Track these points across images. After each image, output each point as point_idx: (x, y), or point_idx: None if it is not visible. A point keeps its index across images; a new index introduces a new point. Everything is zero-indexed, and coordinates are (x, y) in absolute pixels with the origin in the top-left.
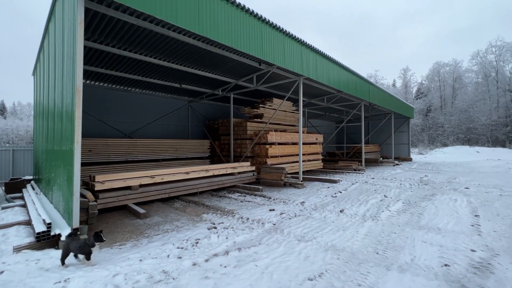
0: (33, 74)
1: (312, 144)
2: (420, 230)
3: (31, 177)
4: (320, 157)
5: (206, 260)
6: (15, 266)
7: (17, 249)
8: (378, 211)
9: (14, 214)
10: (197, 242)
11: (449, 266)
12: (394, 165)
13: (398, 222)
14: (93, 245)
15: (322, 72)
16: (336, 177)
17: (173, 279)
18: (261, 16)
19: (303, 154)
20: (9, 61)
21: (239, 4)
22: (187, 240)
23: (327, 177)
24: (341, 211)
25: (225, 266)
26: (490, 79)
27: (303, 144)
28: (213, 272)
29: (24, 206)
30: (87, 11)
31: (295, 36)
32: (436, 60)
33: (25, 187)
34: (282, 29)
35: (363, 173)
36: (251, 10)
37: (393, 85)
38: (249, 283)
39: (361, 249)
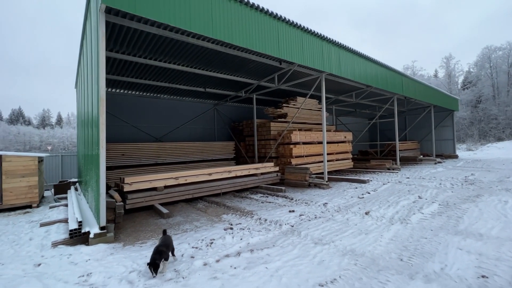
0: (75, 87)
1: (340, 142)
2: (457, 236)
3: (76, 180)
4: (350, 156)
5: (217, 261)
6: (50, 259)
7: (54, 244)
8: (409, 214)
9: (58, 212)
10: (211, 243)
11: (487, 278)
12: (435, 163)
13: (430, 226)
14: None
15: (346, 67)
16: (366, 177)
17: (183, 278)
18: (277, 14)
19: (329, 153)
20: (67, 76)
21: (253, 4)
22: (203, 240)
23: (356, 177)
24: (366, 213)
25: (235, 268)
26: None
27: (330, 143)
28: (222, 273)
29: (67, 205)
30: (113, 26)
31: (314, 32)
32: (486, 44)
33: (70, 188)
34: (300, 25)
35: (397, 172)
36: (266, 9)
37: (435, 75)
38: (256, 286)
39: (383, 254)
